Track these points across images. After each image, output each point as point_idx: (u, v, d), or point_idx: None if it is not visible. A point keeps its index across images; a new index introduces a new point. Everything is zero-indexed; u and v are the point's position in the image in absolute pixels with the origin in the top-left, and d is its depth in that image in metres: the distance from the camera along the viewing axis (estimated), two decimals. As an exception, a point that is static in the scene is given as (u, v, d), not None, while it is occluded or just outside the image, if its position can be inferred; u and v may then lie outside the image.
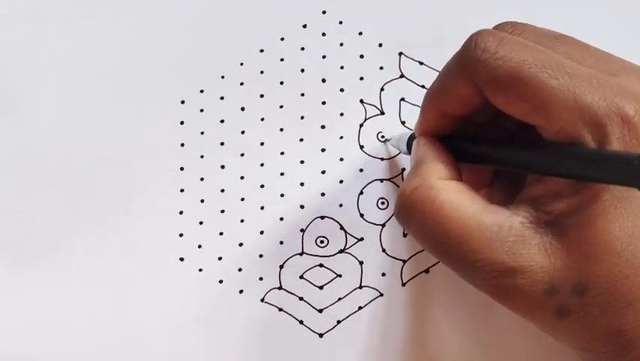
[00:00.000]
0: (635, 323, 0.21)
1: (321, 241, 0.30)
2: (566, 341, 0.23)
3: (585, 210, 0.21)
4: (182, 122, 0.31)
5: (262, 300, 0.30)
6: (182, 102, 0.31)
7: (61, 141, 0.31)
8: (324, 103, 0.31)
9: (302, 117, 0.31)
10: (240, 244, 0.30)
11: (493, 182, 0.27)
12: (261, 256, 0.30)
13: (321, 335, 0.29)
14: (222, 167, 0.31)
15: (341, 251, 0.30)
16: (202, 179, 0.31)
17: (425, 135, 0.25)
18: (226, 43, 0.31)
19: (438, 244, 0.23)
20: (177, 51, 0.31)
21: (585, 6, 0.31)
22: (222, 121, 0.31)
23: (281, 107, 0.31)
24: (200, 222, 0.30)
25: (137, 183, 0.30)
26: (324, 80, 0.31)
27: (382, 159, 0.30)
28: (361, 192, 0.30)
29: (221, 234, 0.30)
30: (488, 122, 0.25)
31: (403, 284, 0.30)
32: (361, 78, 0.31)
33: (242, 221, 0.30)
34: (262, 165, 0.31)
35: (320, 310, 0.30)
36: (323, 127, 0.31)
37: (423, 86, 0.31)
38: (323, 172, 0.31)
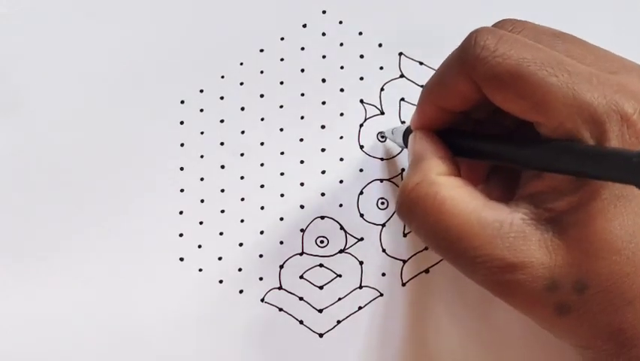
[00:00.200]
0: (635, 322, 0.21)
1: (321, 241, 0.30)
2: (566, 338, 0.23)
3: (585, 207, 0.21)
4: (182, 122, 0.31)
5: (262, 300, 0.30)
6: (182, 102, 0.31)
7: (61, 141, 0.31)
8: (324, 103, 0.31)
9: (302, 117, 0.31)
10: (240, 244, 0.30)
11: (489, 178, 0.27)
12: (261, 256, 0.30)
13: (321, 335, 0.29)
14: (222, 167, 0.31)
15: (341, 251, 0.30)
16: (202, 179, 0.31)
17: (422, 129, 0.25)
18: (226, 44, 0.31)
19: (439, 240, 0.23)
20: (177, 51, 0.31)
21: (585, 6, 0.31)
22: (222, 121, 0.31)
23: (281, 107, 0.31)
24: (200, 222, 0.30)
25: (137, 183, 0.30)
26: (324, 80, 0.31)
27: (382, 159, 0.30)
28: (361, 192, 0.30)
29: (221, 234, 0.30)
30: (486, 118, 0.25)
31: (403, 284, 0.30)
32: (361, 78, 0.31)
33: (242, 221, 0.30)
34: (262, 165, 0.31)
35: (320, 310, 0.30)
36: (323, 127, 0.31)
37: (423, 86, 0.31)
38: (323, 172, 0.30)
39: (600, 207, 0.20)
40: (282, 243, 0.30)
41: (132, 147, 0.31)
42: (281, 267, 0.30)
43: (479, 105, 0.24)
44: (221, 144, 0.31)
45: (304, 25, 0.31)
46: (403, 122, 0.31)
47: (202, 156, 0.31)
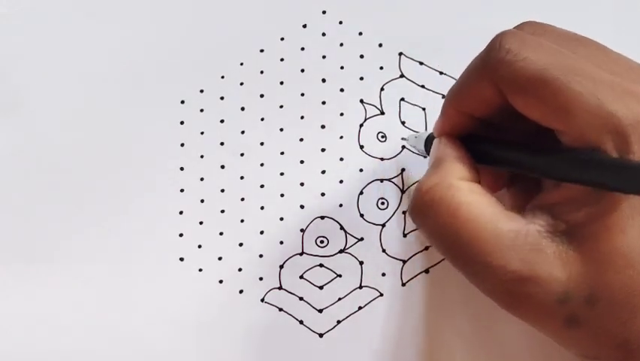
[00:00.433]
0: None
1: (321, 241, 0.30)
2: (572, 349, 0.22)
3: (603, 220, 0.20)
4: (182, 122, 0.31)
5: (262, 300, 0.30)
6: (182, 102, 0.31)
7: (61, 141, 0.31)
8: (324, 103, 0.31)
9: (302, 117, 0.31)
10: (240, 244, 0.30)
11: (508, 186, 0.26)
12: (261, 256, 0.30)
13: (321, 335, 0.29)
14: (222, 167, 0.31)
15: (341, 251, 0.30)
16: (202, 179, 0.31)
17: (446, 135, 0.25)
18: (226, 44, 0.31)
19: (449, 244, 0.22)
20: (177, 51, 0.31)
21: (585, 6, 0.31)
22: (222, 121, 0.31)
23: (281, 107, 0.31)
24: (200, 222, 0.30)
25: (137, 183, 0.30)
26: (324, 80, 0.31)
27: (382, 159, 0.30)
28: (361, 192, 0.30)
29: (221, 234, 0.30)
30: (507, 125, 0.25)
31: (403, 284, 0.30)
32: (361, 78, 0.31)
33: (242, 221, 0.30)
34: (262, 165, 0.31)
35: (320, 310, 0.30)
36: (323, 127, 0.31)
37: (423, 86, 0.31)
38: (323, 172, 0.30)
39: (619, 220, 0.20)
40: (282, 243, 0.30)
41: (132, 147, 0.31)
42: (281, 267, 0.30)
43: (501, 111, 0.23)
44: (222, 144, 0.31)
45: (304, 26, 0.31)
46: (403, 123, 0.31)
47: (202, 156, 0.31)
